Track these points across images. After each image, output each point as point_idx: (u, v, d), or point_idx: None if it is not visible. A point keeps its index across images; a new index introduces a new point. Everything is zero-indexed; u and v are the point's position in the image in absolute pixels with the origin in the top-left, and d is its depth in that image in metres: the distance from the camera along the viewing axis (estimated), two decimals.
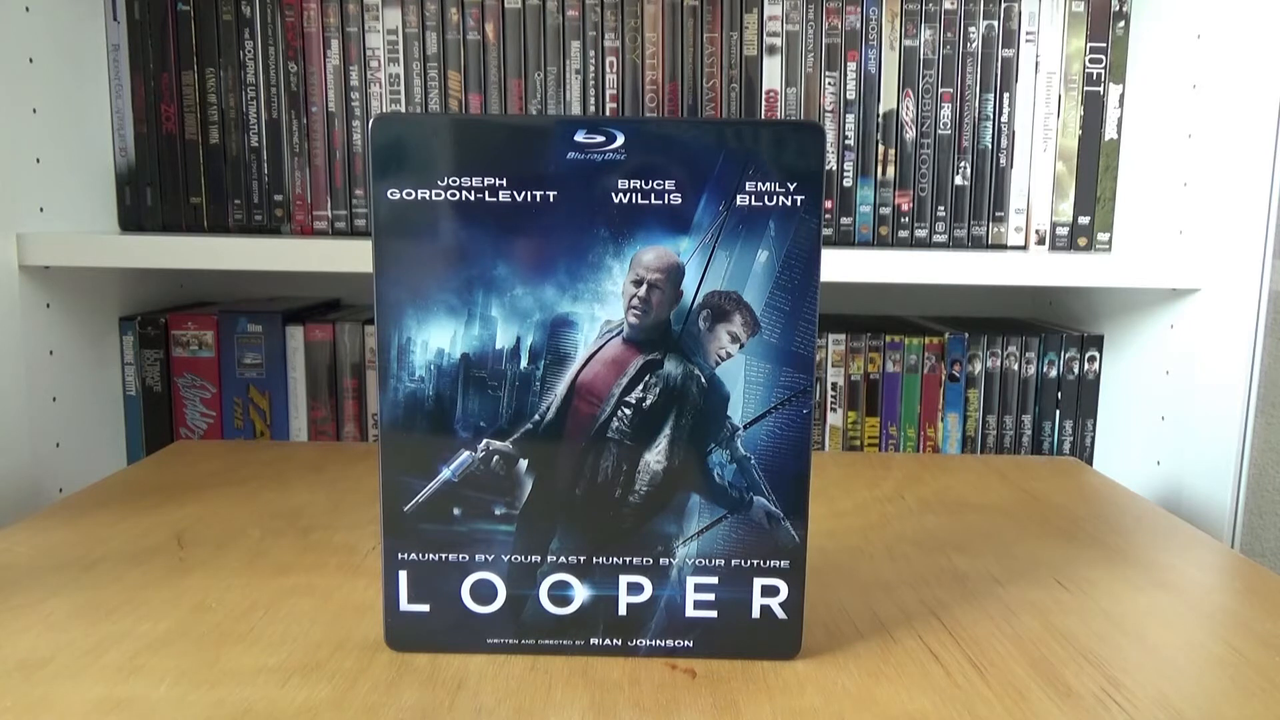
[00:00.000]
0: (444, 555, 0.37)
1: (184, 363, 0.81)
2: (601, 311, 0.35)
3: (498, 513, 0.37)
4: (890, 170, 0.82)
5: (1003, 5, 0.80)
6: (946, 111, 0.81)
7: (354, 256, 0.70)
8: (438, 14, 0.80)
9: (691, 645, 0.38)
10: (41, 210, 0.73)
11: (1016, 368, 0.82)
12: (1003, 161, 0.82)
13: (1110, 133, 0.81)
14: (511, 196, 0.35)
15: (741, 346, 0.36)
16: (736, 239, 0.35)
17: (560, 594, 0.37)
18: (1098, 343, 0.82)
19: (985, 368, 0.82)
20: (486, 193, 0.35)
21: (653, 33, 0.80)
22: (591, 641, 0.38)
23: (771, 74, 0.80)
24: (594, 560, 0.37)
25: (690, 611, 0.37)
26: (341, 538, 0.51)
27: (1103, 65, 0.80)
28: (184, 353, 0.81)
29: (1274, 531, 0.74)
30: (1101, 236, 0.83)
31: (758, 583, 0.37)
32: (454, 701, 0.34)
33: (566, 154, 0.34)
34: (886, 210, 0.82)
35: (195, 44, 0.80)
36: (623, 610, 0.37)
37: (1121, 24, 0.80)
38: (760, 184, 0.35)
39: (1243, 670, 0.38)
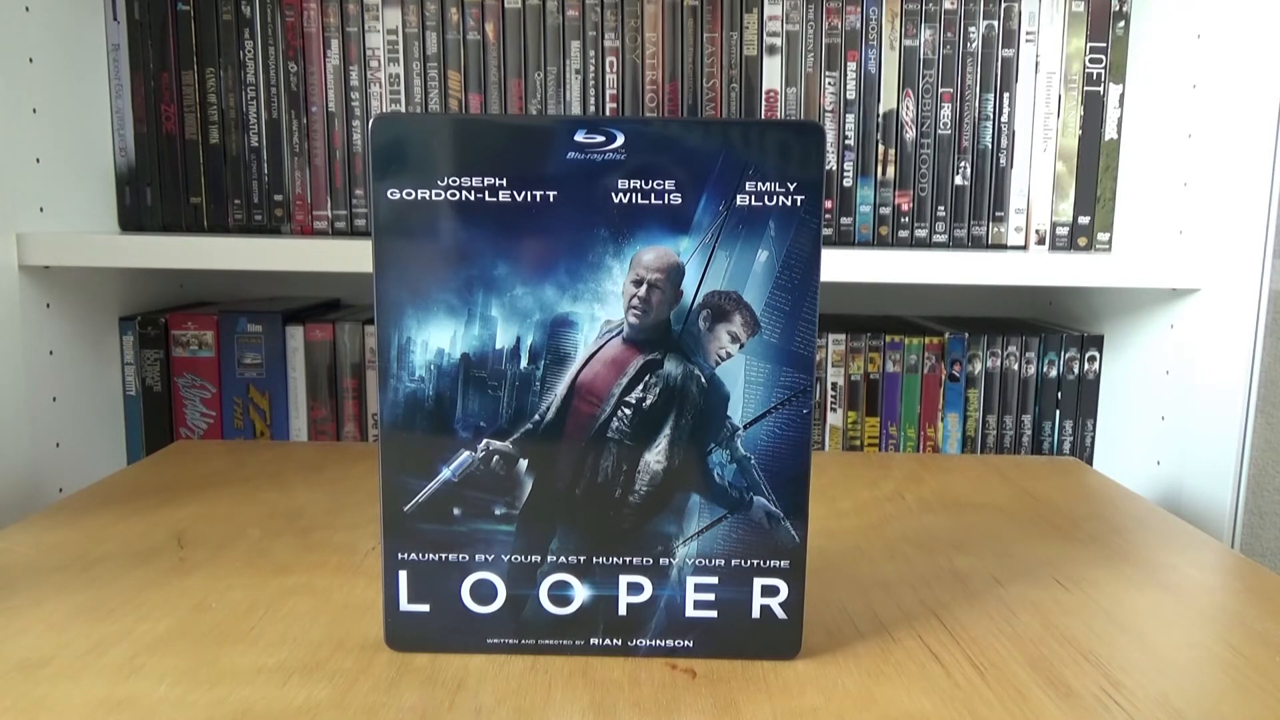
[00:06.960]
0: (444, 555, 0.37)
1: (184, 363, 0.81)
2: (601, 311, 0.35)
3: (498, 513, 0.37)
4: (890, 170, 0.82)
5: (1003, 5, 0.80)
6: (946, 111, 0.81)
7: (354, 256, 0.70)
8: (438, 14, 0.80)
9: (691, 645, 0.38)
10: (41, 210, 0.73)
11: (1016, 368, 0.82)
12: (1003, 161, 0.82)
13: (1110, 133, 0.81)
14: (511, 196, 0.35)
15: (741, 346, 0.36)
16: (736, 239, 0.35)
17: (560, 594, 0.37)
18: (1098, 343, 0.82)
19: (985, 368, 0.82)
20: (486, 193, 0.35)
21: (653, 33, 0.80)
22: (591, 641, 0.38)
23: (771, 74, 0.80)
24: (594, 560, 0.37)
25: (690, 611, 0.37)
26: (341, 538, 0.51)
27: (1103, 65, 0.80)
28: (184, 353, 0.81)
29: (1274, 531, 0.74)
30: (1101, 236, 0.83)
31: (758, 583, 0.37)
32: (454, 701, 0.34)
33: (567, 154, 0.34)
34: (886, 210, 0.82)
35: (195, 44, 0.80)
36: (623, 610, 0.37)
37: (1121, 24, 0.80)
38: (760, 184, 0.34)
39: (1243, 670, 0.38)
